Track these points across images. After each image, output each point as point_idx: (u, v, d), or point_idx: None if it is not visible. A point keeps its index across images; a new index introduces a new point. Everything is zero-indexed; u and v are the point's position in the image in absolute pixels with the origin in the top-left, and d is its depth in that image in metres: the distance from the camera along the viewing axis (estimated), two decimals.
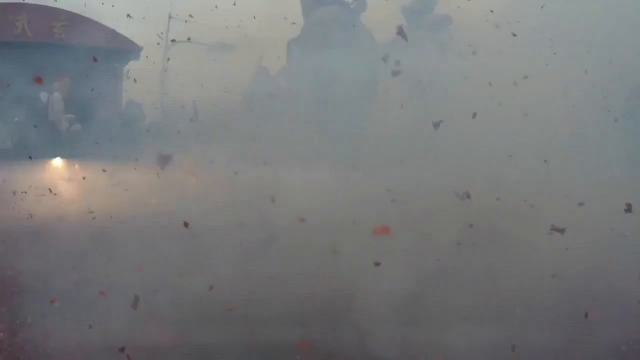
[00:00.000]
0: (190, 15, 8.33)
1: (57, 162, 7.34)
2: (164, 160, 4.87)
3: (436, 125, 5.28)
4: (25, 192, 5.78)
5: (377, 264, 4.03)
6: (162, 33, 12.53)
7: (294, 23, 5.66)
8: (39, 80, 7.39)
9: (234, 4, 6.57)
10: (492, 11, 5.50)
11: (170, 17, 13.91)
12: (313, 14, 5.86)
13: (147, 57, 10.50)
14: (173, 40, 9.39)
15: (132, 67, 11.31)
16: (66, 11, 9.84)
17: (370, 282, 4.01)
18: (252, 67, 5.88)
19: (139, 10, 8.48)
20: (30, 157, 6.08)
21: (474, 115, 5.18)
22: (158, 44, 11.74)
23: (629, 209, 4.17)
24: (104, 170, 5.59)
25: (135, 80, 9.83)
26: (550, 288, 4.06)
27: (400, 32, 4.99)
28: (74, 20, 9.68)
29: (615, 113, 5.26)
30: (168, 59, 10.91)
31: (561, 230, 4.15)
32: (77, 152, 6.91)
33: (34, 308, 3.95)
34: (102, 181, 5.62)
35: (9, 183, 5.89)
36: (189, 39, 9.89)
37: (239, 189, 5.10)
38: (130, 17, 8.71)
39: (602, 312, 3.83)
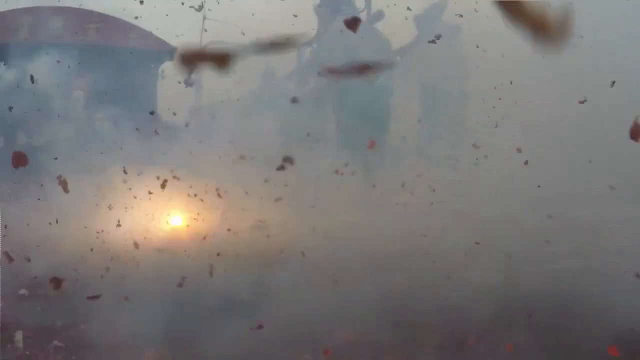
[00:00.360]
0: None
1: None
2: None
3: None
4: None
5: None
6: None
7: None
8: None
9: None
10: None
11: (204, 19, 14.13)
12: (329, 23, 6.03)
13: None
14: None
15: (167, 67, 11.60)
16: (100, 14, 10.33)
17: None
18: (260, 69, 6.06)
19: (175, 12, 8.67)
20: None
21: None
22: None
23: None
24: None
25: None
26: None
27: None
28: (108, 22, 10.06)
29: None
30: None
31: None
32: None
33: None
34: None
35: None
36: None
37: None
38: (166, 17, 8.93)
39: None
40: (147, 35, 10.32)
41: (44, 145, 8.36)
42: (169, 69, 11.08)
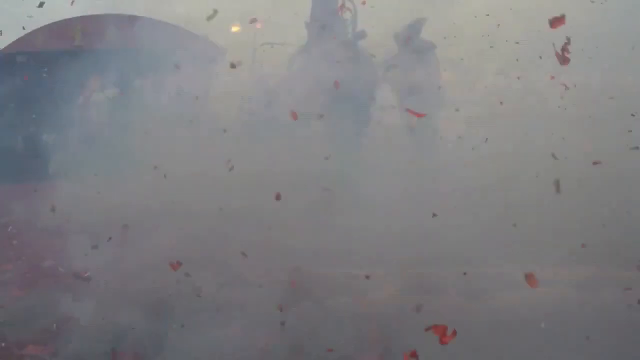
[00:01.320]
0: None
1: None
2: None
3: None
4: None
5: None
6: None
7: None
8: None
9: None
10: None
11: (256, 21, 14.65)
12: (319, 37, 6.72)
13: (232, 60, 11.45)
14: None
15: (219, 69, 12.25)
16: (149, 19, 11.21)
17: None
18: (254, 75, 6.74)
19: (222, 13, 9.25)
20: None
21: None
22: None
23: None
24: None
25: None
26: None
27: None
28: (156, 27, 10.89)
29: None
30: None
31: None
32: None
33: None
34: None
35: None
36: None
37: None
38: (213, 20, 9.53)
39: None
40: (198, 38, 11.03)
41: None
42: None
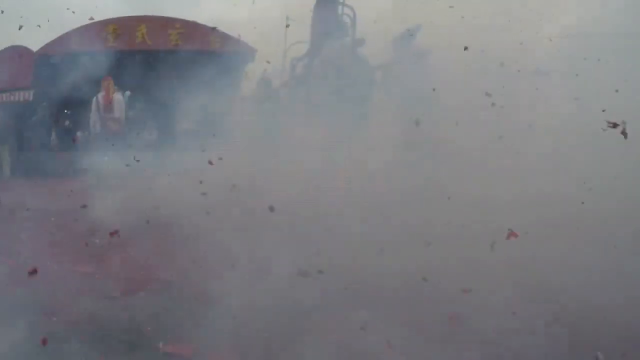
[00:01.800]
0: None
1: None
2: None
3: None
4: None
5: None
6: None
7: None
8: None
9: None
10: None
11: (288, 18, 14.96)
12: (321, 45, 7.15)
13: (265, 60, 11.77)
14: None
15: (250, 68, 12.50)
16: (181, 19, 11.18)
17: None
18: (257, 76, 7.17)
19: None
20: None
21: None
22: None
23: None
24: None
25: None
26: None
27: None
28: (189, 27, 11.21)
29: None
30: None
31: None
32: None
33: None
34: None
35: None
36: None
37: None
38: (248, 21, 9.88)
39: None
40: (229, 38, 11.38)
41: None
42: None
